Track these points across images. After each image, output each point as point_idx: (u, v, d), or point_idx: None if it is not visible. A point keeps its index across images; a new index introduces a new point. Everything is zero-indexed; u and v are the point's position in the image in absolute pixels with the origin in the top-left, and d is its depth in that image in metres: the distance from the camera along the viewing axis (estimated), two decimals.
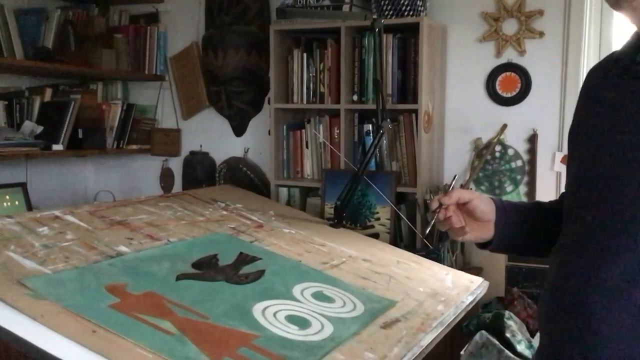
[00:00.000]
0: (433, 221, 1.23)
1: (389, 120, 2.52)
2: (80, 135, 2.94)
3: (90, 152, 3.04)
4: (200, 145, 3.27)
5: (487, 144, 2.75)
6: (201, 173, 3.20)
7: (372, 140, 2.52)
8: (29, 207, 2.76)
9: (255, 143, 3.18)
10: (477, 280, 2.08)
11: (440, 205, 1.19)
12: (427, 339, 1.53)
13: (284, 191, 2.83)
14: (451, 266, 2.35)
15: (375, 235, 2.58)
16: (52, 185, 3.17)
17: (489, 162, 2.76)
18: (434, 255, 2.45)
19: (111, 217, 1.79)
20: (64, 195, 3.15)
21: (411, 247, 2.52)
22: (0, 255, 1.37)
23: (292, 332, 1.38)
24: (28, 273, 1.32)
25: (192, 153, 3.26)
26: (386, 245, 2.29)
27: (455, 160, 2.83)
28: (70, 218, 1.70)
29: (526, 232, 1.24)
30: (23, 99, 2.94)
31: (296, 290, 1.62)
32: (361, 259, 2.00)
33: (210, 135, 3.27)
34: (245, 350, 1.25)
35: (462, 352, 2.02)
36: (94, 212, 1.79)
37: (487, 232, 1.22)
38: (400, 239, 2.64)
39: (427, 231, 1.27)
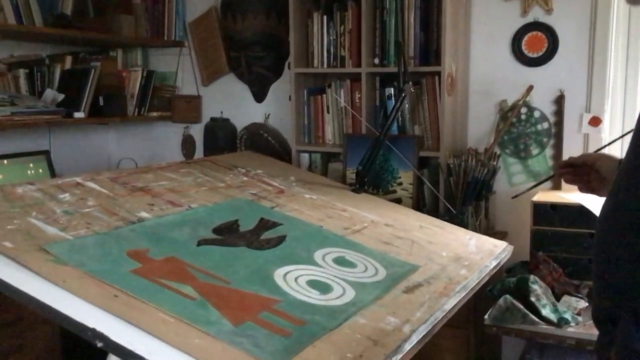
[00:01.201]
0: (548, 177, 1.68)
1: (410, 83, 2.47)
2: (101, 103, 2.94)
3: (112, 119, 3.04)
4: (221, 112, 3.25)
5: (513, 106, 2.69)
6: (222, 140, 3.18)
7: (393, 104, 2.48)
8: (53, 175, 2.79)
9: (276, 109, 3.15)
10: (501, 244, 2.05)
11: (571, 165, 1.39)
12: (450, 303, 1.51)
13: (305, 157, 2.81)
14: (475, 231, 2.32)
15: (398, 201, 2.56)
16: (75, 153, 3.19)
17: (514, 124, 2.70)
18: (458, 219, 2.42)
19: (132, 183, 1.79)
20: (87, 162, 3.17)
21: (434, 212, 2.49)
22: (23, 221, 1.38)
23: (314, 297, 1.38)
24: (50, 239, 1.33)
25: (213, 120, 3.24)
26: (409, 210, 2.27)
27: (479, 123, 2.78)
28: (91, 185, 1.70)
29: None
30: (44, 67, 2.94)
31: (317, 255, 1.61)
32: (383, 224, 1.98)
33: (231, 101, 3.25)
34: (266, 314, 1.25)
35: (485, 317, 2.00)
36: (115, 179, 1.79)
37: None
38: (423, 203, 2.62)
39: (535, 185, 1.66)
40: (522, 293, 2.01)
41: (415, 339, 1.29)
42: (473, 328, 2.34)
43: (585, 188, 1.43)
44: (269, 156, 2.61)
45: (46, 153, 2.83)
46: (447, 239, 1.99)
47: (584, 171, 1.41)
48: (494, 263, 1.88)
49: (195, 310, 1.20)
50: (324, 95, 2.82)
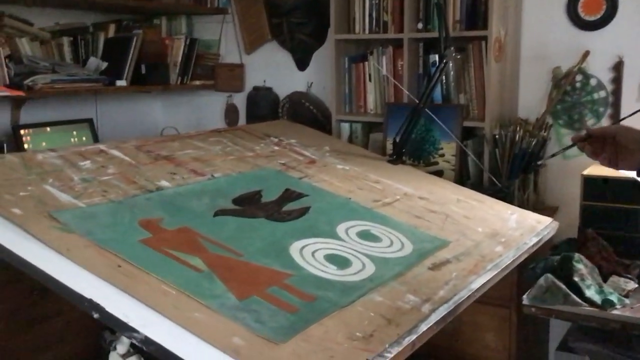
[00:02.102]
0: (567, 147, 1.48)
1: (452, 48, 2.34)
2: (144, 71, 2.93)
3: (154, 87, 3.03)
4: (264, 81, 3.20)
5: (567, 73, 2.52)
6: (264, 109, 3.14)
7: (434, 71, 2.36)
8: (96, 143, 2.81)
9: (318, 77, 3.07)
10: (545, 220, 1.93)
11: (589, 136, 1.30)
12: (479, 282, 1.42)
13: (345, 126, 2.73)
14: (522, 206, 2.20)
15: (439, 173, 2.45)
16: (120, 122, 3.21)
17: (568, 93, 2.53)
18: (502, 194, 2.30)
19: (157, 151, 1.76)
20: (132, 131, 3.19)
21: (478, 186, 2.37)
22: (37, 188, 1.37)
23: (329, 272, 1.31)
24: (62, 206, 1.31)
25: (256, 88, 3.20)
26: (448, 183, 2.16)
27: (530, 91, 2.61)
28: (115, 152, 1.68)
29: None
30: (87, 35, 2.95)
31: (340, 228, 1.55)
32: (417, 197, 1.89)
33: (274, 69, 3.19)
34: (275, 289, 1.19)
35: (524, 297, 1.89)
36: (140, 147, 1.77)
37: (638, 160, 1.26)
38: (467, 176, 2.50)
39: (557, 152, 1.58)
40: (566, 272, 1.89)
41: (434, 319, 1.22)
42: (515, 307, 2.23)
43: (608, 161, 1.33)
44: (306, 126, 2.54)
45: (89, 121, 2.85)
46: (485, 213, 1.89)
47: (605, 143, 1.31)
48: (534, 240, 1.76)
49: (200, 282, 1.16)
50: (366, 62, 2.72)
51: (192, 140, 1.93)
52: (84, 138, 2.79)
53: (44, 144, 2.61)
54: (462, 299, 1.33)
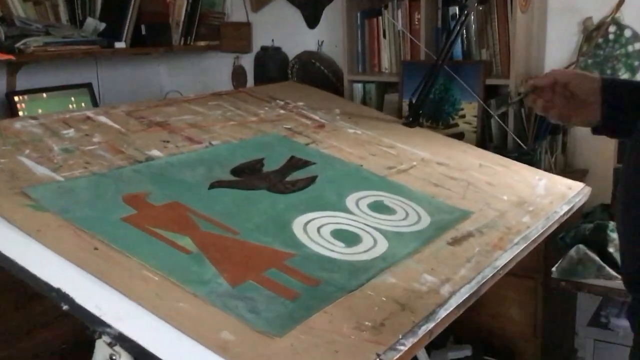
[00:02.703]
0: (514, 101, 1.10)
1: None
2: (144, 32, 2.77)
3: (155, 49, 2.87)
4: (272, 40, 3.02)
5: (599, 24, 2.31)
6: (273, 70, 2.97)
7: (454, 24, 2.16)
8: None
9: (329, 35, 2.88)
10: (577, 186, 1.76)
11: (535, 88, 1.05)
12: (505, 258, 1.27)
13: (358, 87, 2.56)
14: (549, 170, 2.03)
15: (460, 136, 2.28)
16: (122, 86, 3.07)
17: (600, 46, 2.32)
18: (528, 157, 2.13)
19: (150, 117, 1.62)
20: (135, 96, 3.04)
21: (502, 149, 2.20)
22: (11, 160, 1.23)
23: (336, 250, 1.17)
24: (36, 180, 1.18)
25: (264, 48, 3.02)
26: (469, 147, 1.99)
27: (558, 45, 2.41)
28: (102, 119, 1.54)
29: None
30: None
31: (350, 200, 1.40)
32: (435, 163, 1.73)
33: (282, 28, 3.01)
34: (273, 271, 1.05)
35: (553, 269, 1.74)
36: (131, 113, 1.62)
37: (594, 114, 1.01)
38: (490, 139, 2.32)
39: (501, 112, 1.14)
40: (599, 242, 1.73)
41: (454, 303, 1.07)
42: (542, 279, 2.08)
43: (558, 116, 1.08)
44: (317, 87, 2.38)
45: (89, 86, 2.71)
46: (511, 179, 1.72)
47: (555, 94, 1.06)
48: (566, 208, 1.60)
49: (188, 266, 1.02)
50: (380, 17, 2.53)
51: (189, 105, 1.78)
52: (82, 104, 2.65)
53: (40, 110, 2.47)
54: (486, 278, 1.18)
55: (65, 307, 0.89)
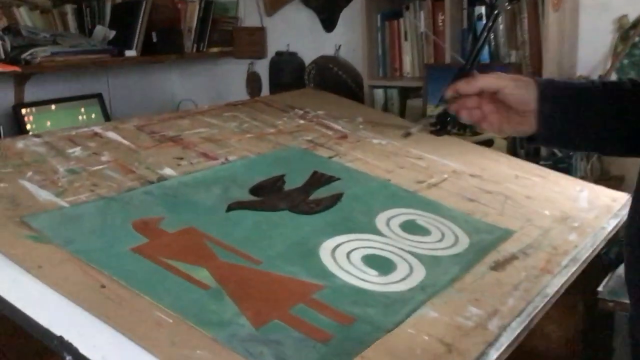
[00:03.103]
0: (437, 111, 0.98)
1: None
2: (155, 39, 2.67)
3: (167, 57, 2.77)
4: (287, 45, 2.91)
5: (635, 22, 2.17)
6: (289, 76, 2.85)
7: (484, 25, 2.04)
8: (107, 120, 2.57)
9: (348, 38, 2.76)
10: (621, 197, 1.63)
11: (460, 95, 0.87)
12: (555, 285, 1.15)
13: (379, 93, 2.44)
14: (584, 178, 1.90)
15: (489, 142, 2.15)
16: (133, 96, 2.97)
17: (636, 45, 2.19)
18: (564, 164, 2.00)
19: (162, 132, 1.51)
20: (147, 106, 2.94)
21: (534, 157, 2.07)
22: (12, 185, 1.13)
23: (369, 280, 1.05)
24: (39, 207, 1.07)
25: (279, 54, 2.91)
26: (501, 155, 1.87)
27: (591, 45, 2.27)
28: (111, 135, 1.43)
29: (589, 122, 0.83)
30: (93, 2, 2.69)
31: (380, 219, 1.28)
32: (468, 175, 1.61)
33: (298, 32, 2.89)
34: (302, 307, 0.94)
35: (599, 289, 1.61)
36: (142, 127, 1.52)
37: (529, 124, 0.85)
38: (521, 145, 2.19)
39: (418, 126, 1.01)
40: None
41: (505, 341, 0.95)
42: (582, 295, 1.94)
43: (487, 124, 0.89)
44: (336, 94, 2.26)
45: (99, 96, 2.61)
46: (550, 191, 1.60)
47: (483, 101, 0.88)
48: (613, 223, 1.47)
49: (206, 304, 0.91)
50: (401, 19, 2.41)
51: (203, 117, 1.67)
52: (93, 115, 2.56)
53: (48, 123, 2.38)
54: (537, 309, 1.06)
55: (68, 358, 0.79)
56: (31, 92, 2.50)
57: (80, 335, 0.80)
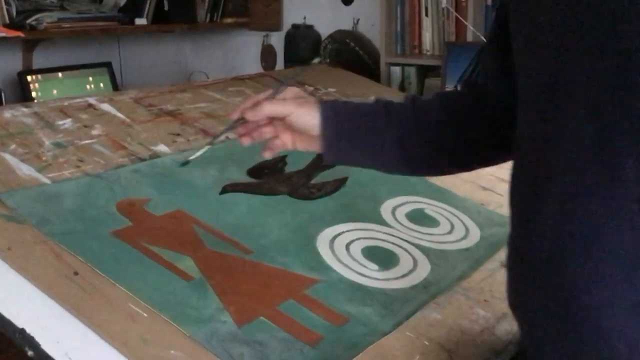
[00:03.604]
0: (222, 134, 0.95)
1: None
2: (166, 7, 2.58)
3: (179, 26, 2.68)
4: (304, 17, 2.80)
5: None
6: (304, 50, 2.75)
7: None
8: (115, 89, 2.50)
9: (366, 13, 2.65)
10: None
11: (243, 119, 0.85)
12: None
13: (396, 71, 2.33)
14: None
15: None
16: (145, 66, 2.89)
17: None
18: None
19: (161, 105, 1.43)
20: (158, 77, 2.87)
21: None
22: None
23: (369, 275, 0.97)
24: (18, 183, 1.00)
25: (295, 27, 2.80)
26: None
27: None
28: (106, 107, 1.36)
29: (371, 144, 0.82)
30: None
31: (386, 207, 1.19)
32: None
33: (315, 4, 2.78)
34: (291, 304, 0.86)
35: None
36: (140, 99, 1.44)
37: (317, 145, 0.84)
38: None
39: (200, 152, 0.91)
40: None
41: (513, 349, 0.87)
42: None
43: (281, 142, 0.87)
44: (351, 70, 2.16)
45: (108, 65, 2.54)
46: None
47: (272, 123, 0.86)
48: None
49: (186, 297, 0.84)
50: None
51: (206, 91, 1.59)
52: (101, 85, 2.49)
53: (54, 92, 2.31)
54: None
55: (30, 353, 0.72)
56: (40, 59, 2.43)
57: (44, 328, 0.73)
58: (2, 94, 1.95)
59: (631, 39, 0.50)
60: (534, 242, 0.58)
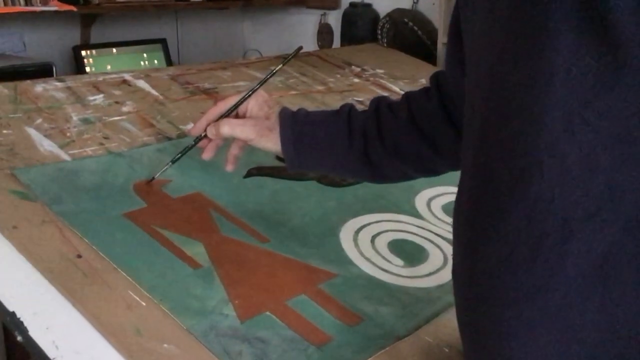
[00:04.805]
0: (183, 154, 0.94)
1: None
2: None
3: (233, 3, 2.65)
4: None
5: None
6: (362, 29, 2.66)
7: None
8: (169, 66, 2.49)
9: None
10: None
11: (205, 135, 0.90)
12: None
13: None
14: None
15: None
16: (203, 43, 2.88)
17: None
18: None
19: (197, 83, 1.39)
20: (215, 54, 2.85)
21: None
22: (16, 132, 1.05)
23: (392, 271, 0.90)
24: (38, 159, 0.98)
25: (353, 5, 2.72)
26: None
27: None
28: (141, 84, 1.33)
29: (331, 156, 0.84)
30: None
31: (421, 198, 1.12)
32: None
33: None
34: (302, 299, 0.81)
35: None
36: (177, 76, 1.40)
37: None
38: None
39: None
40: None
41: None
42: None
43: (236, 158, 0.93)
44: (409, 51, 2.07)
45: (163, 42, 2.53)
46: None
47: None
48: None
49: (191, 286, 0.79)
50: None
51: (247, 69, 1.54)
52: (155, 61, 2.49)
53: (108, 67, 2.33)
54: None
55: (19, 338, 0.69)
56: (98, 35, 2.45)
57: (35, 313, 0.70)
58: (54, 68, 1.97)
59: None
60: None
